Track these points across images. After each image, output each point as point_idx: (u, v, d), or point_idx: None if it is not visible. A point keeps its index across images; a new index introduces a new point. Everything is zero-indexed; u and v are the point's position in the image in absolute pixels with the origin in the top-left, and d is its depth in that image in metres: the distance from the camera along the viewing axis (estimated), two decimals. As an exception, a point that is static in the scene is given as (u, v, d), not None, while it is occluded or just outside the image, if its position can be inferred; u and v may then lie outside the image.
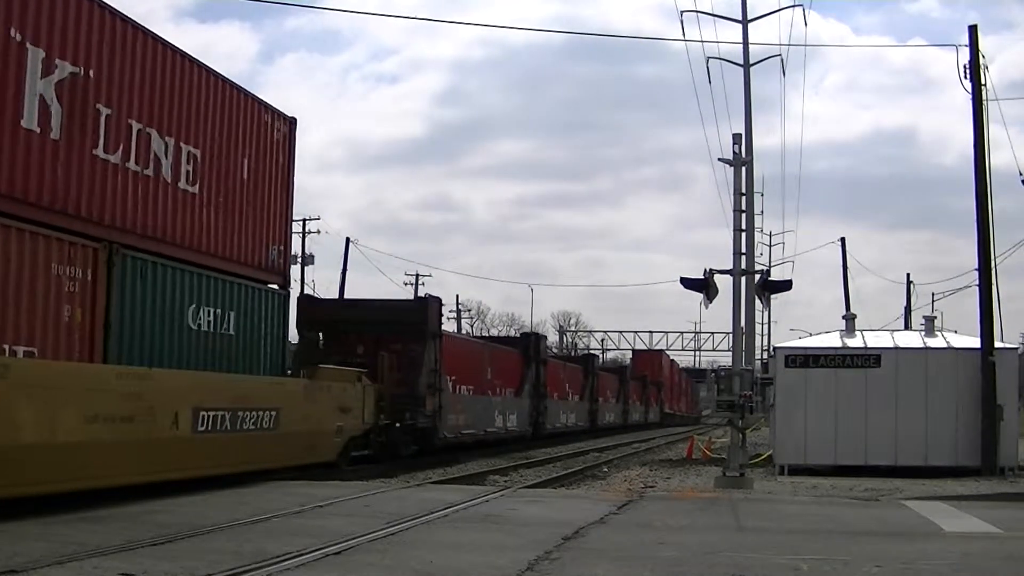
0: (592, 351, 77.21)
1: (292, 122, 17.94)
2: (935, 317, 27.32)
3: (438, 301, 26.78)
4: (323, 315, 25.39)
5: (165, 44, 14.36)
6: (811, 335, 27.80)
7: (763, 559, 8.93)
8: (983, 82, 21.56)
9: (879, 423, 20.58)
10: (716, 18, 21.51)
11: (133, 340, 13.52)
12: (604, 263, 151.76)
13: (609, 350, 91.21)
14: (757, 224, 19.29)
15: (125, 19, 13.55)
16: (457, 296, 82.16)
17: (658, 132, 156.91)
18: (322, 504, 12.36)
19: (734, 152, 18.05)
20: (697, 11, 21.46)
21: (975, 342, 21.19)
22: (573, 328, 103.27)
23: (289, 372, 18.14)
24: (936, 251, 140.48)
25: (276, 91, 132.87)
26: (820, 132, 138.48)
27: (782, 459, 21.04)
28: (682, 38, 21.73)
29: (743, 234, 17.90)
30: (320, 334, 24.94)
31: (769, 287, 18.32)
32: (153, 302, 13.98)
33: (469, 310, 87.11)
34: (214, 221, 15.55)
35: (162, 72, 14.25)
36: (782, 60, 21.88)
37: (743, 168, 18.00)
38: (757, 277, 17.99)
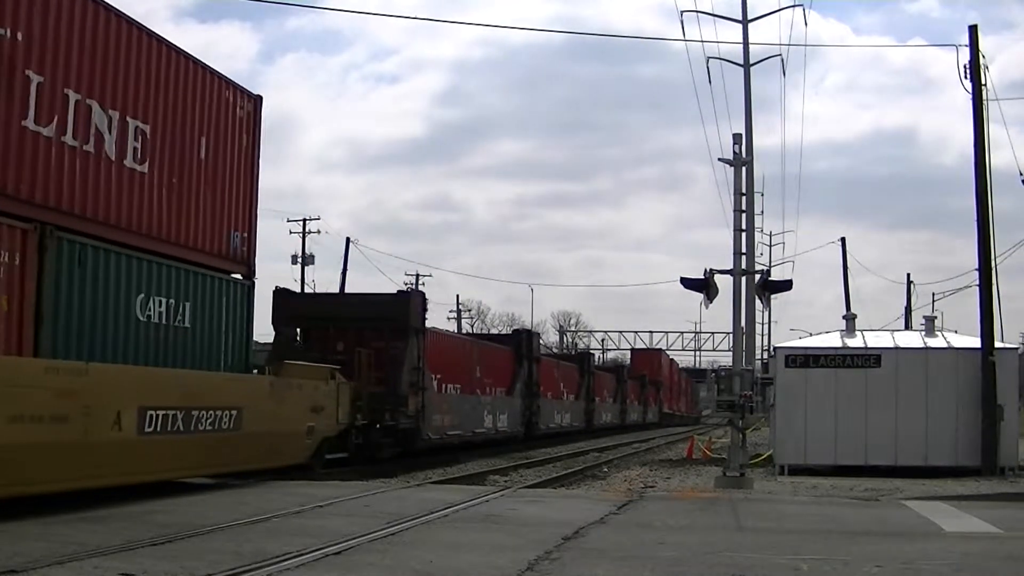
0: (592, 351, 77.15)
1: (257, 100, 16.65)
2: (935, 317, 27.34)
3: (421, 295, 25.81)
4: (300, 310, 24.31)
5: (108, 8, 13.02)
6: (811, 335, 27.83)
7: (763, 559, 8.93)
8: (983, 82, 21.57)
9: (879, 423, 20.58)
10: (716, 18, 21.49)
11: (71, 332, 12.22)
12: (604, 263, 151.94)
13: (609, 350, 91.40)
14: (757, 224, 19.28)
15: None
16: (457, 296, 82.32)
17: (658, 132, 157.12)
18: (322, 504, 12.36)
19: (734, 152, 18.05)
20: (697, 11, 21.44)
21: (975, 342, 21.19)
22: (573, 328, 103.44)
23: (256, 370, 17.22)
24: (936, 251, 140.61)
25: (276, 91, 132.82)
26: (820, 132, 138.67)
27: (782, 459, 21.04)
28: (682, 38, 21.72)
29: (743, 234, 17.91)
30: (298, 330, 24.03)
31: (769, 287, 18.32)
32: (95, 290, 12.66)
33: (469, 310, 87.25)
34: (166, 204, 14.26)
35: (105, 39, 12.89)
36: (782, 60, 21.87)
37: (743, 168, 18.00)
38: (757, 277, 17.98)
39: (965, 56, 21.67)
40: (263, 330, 23.63)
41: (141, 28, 13.79)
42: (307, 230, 59.56)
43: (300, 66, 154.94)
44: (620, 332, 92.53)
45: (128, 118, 13.40)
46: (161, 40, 14.20)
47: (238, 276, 16.19)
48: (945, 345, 21.87)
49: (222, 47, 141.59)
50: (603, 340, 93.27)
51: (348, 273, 51.52)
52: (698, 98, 28.92)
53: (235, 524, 10.32)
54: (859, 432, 20.62)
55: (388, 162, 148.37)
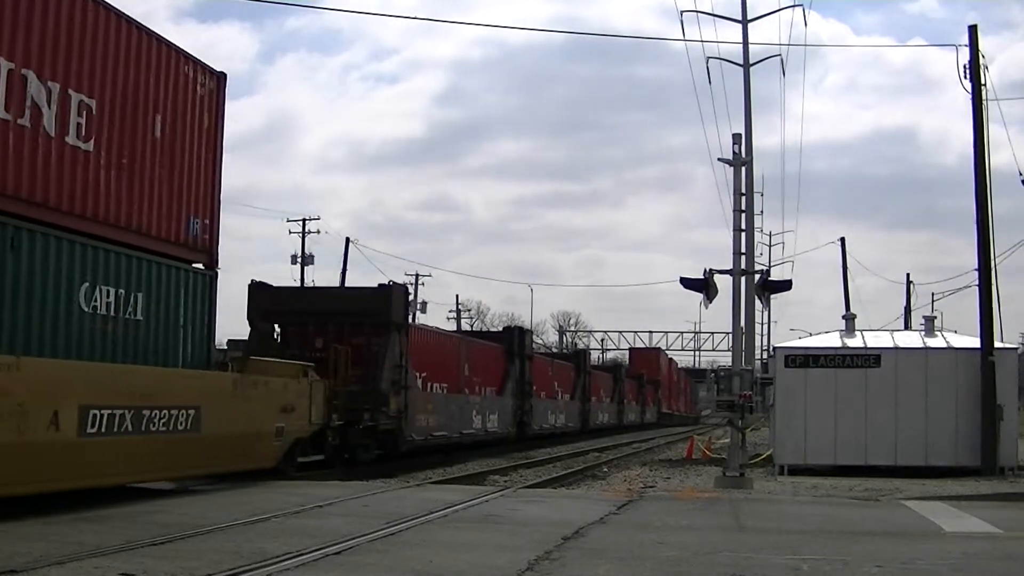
0: (592, 351, 77.04)
1: (220, 77, 15.49)
2: (935, 317, 27.44)
3: (404, 289, 24.56)
4: (278, 305, 23.03)
5: None
6: (811, 335, 27.79)
7: (763, 559, 8.93)
8: (983, 82, 21.60)
9: (879, 423, 20.60)
10: (716, 18, 21.43)
11: (2, 324, 11.21)
12: (604, 263, 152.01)
13: (609, 350, 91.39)
14: (757, 224, 19.25)
15: None
16: (457, 296, 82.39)
17: (658, 132, 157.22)
18: (322, 504, 12.36)
19: (734, 152, 18.05)
20: (697, 11, 21.36)
21: (975, 342, 21.20)
22: (573, 328, 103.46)
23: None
24: (936, 251, 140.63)
25: (276, 91, 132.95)
26: (820, 132, 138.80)
27: (782, 459, 21.05)
28: (682, 38, 21.67)
29: (743, 234, 17.91)
30: (275, 326, 23.04)
31: (769, 287, 18.32)
32: (31, 278, 11.56)
33: (469, 310, 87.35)
34: (115, 185, 13.09)
35: (43, 4, 11.85)
36: (782, 60, 21.83)
37: (743, 168, 18.01)
38: (757, 277, 17.99)
39: (965, 56, 21.72)
40: (240, 326, 23.18)
41: None
42: (307, 230, 59.61)
43: (300, 66, 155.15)
44: (620, 332, 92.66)
45: (71, 91, 12.24)
46: (109, 8, 13.01)
47: (199, 266, 15.08)
48: (945, 345, 21.89)
49: (222, 47, 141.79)
50: (603, 340, 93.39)
51: (348, 273, 51.56)
52: (698, 98, 28.84)
53: (235, 524, 10.32)
54: (859, 432, 20.63)
55: (388, 162, 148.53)
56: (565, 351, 71.25)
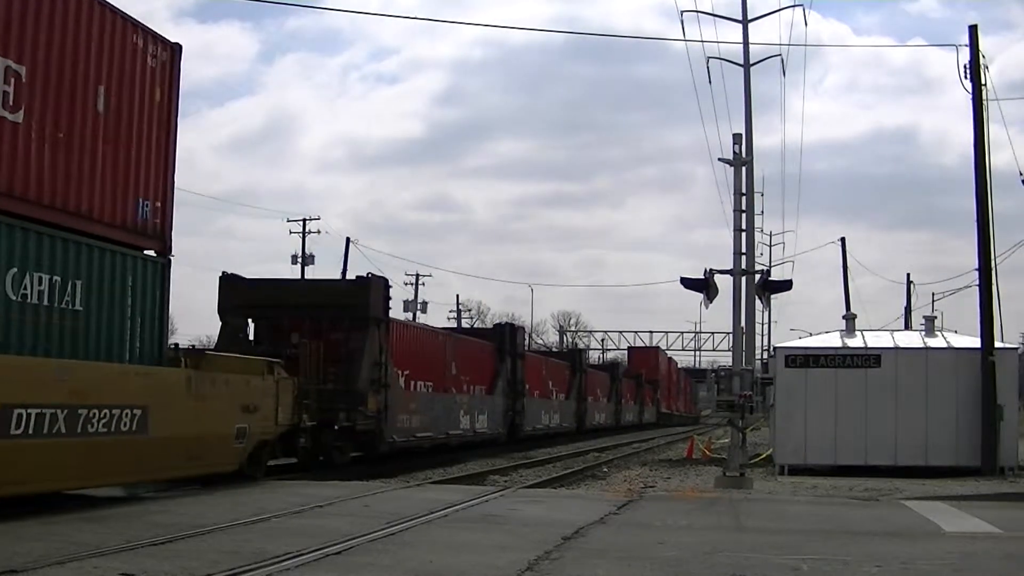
0: (592, 350, 76.92)
1: (175, 49, 14.27)
2: (935, 317, 27.39)
3: (383, 282, 23.00)
4: (251, 298, 21.62)
5: None
6: (811, 335, 27.83)
7: (763, 559, 8.93)
8: (983, 82, 21.60)
9: (879, 423, 20.59)
10: (716, 18, 21.47)
11: None
12: (604, 263, 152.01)
13: (609, 350, 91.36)
14: (757, 224, 19.29)
15: None
16: (457, 296, 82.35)
17: (658, 132, 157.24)
18: (322, 504, 12.36)
19: (734, 152, 18.06)
20: (697, 11, 21.39)
21: (975, 342, 21.20)
22: (573, 328, 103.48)
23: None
24: (936, 251, 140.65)
25: (276, 91, 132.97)
26: (820, 132, 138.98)
27: (782, 459, 21.05)
28: (682, 38, 21.70)
29: (743, 234, 17.92)
30: (249, 320, 21.86)
31: (769, 287, 18.34)
32: None
33: (469, 310, 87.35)
34: (49, 162, 11.88)
35: None
36: (782, 60, 21.86)
37: (743, 168, 18.02)
38: (757, 277, 18.00)
39: (965, 56, 21.72)
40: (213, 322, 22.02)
41: None
42: (307, 230, 59.64)
43: (300, 66, 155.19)
44: (620, 332, 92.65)
45: None
46: None
47: (151, 252, 13.83)
48: (945, 345, 21.90)
49: (222, 47, 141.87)
50: (603, 340, 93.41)
51: (348, 273, 51.50)
52: (698, 98, 28.85)
53: (235, 524, 10.32)
54: (859, 432, 20.63)
55: (388, 162, 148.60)
56: (565, 351, 71.08)
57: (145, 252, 13.69)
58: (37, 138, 11.68)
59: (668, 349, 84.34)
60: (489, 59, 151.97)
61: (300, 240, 59.59)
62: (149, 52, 13.74)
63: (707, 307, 18.33)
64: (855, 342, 21.93)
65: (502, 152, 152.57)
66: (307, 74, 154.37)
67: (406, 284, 70.87)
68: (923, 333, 23.50)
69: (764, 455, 24.23)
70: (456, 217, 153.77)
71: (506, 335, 33.91)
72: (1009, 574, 8.96)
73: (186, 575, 7.57)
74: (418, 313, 69.54)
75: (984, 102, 21.52)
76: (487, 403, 31.05)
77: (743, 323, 17.86)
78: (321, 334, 20.97)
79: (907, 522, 12.15)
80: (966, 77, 21.57)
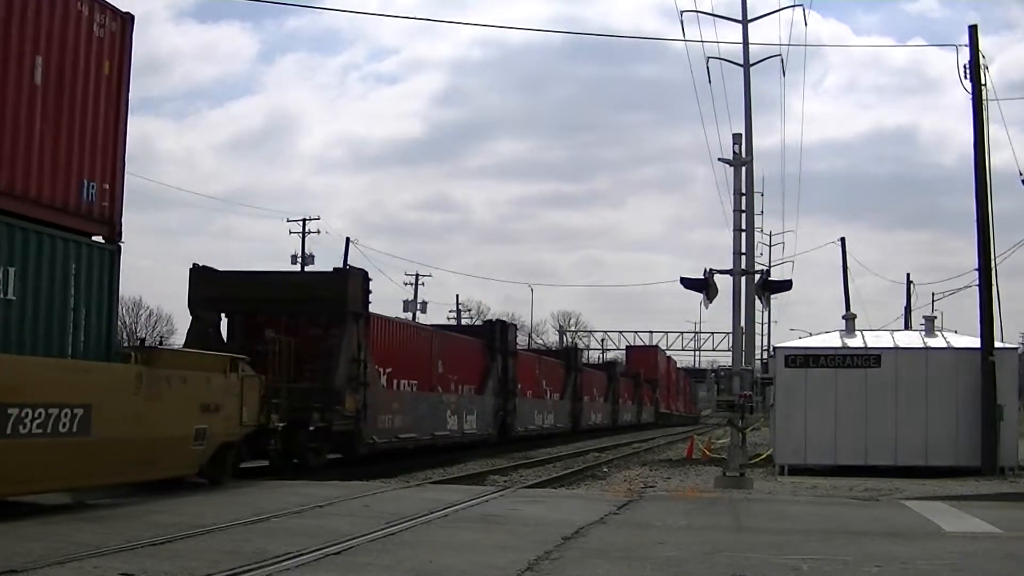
0: (591, 350, 76.81)
1: (126, 19, 13.25)
2: (935, 317, 27.39)
3: (362, 274, 21.80)
4: (223, 292, 20.52)
5: None
6: (811, 335, 27.81)
7: (763, 559, 8.93)
8: (983, 82, 21.59)
9: (879, 423, 20.59)
10: (716, 18, 21.47)
11: None
12: (604, 263, 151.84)
13: (609, 350, 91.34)
14: (757, 224, 19.31)
15: None
16: (457, 296, 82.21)
17: (658, 132, 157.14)
18: (322, 504, 12.36)
19: (734, 152, 18.06)
20: (697, 11, 21.40)
21: (975, 342, 21.20)
22: (573, 328, 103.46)
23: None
24: (936, 251, 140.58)
25: (276, 91, 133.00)
26: (820, 132, 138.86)
27: (782, 459, 21.05)
28: (682, 38, 21.70)
29: (743, 234, 17.92)
30: (222, 315, 20.89)
31: (769, 287, 18.34)
32: None
33: (469, 310, 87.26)
34: None
35: None
36: (782, 60, 21.86)
37: (743, 168, 18.02)
38: (757, 277, 18.00)
39: (965, 56, 21.71)
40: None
41: None
42: (307, 230, 59.61)
43: (300, 66, 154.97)
44: (620, 332, 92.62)
45: None
46: None
47: (98, 238, 12.91)
48: (945, 345, 21.89)
49: (222, 47, 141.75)
50: (603, 340, 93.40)
51: (348, 273, 51.35)
52: (698, 98, 28.84)
53: (235, 524, 10.32)
54: (859, 432, 20.63)
55: (388, 162, 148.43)
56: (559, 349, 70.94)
57: (92, 238, 12.78)
58: None
59: (668, 349, 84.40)
60: (489, 59, 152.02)
61: (300, 240, 59.67)
62: (96, 21, 12.72)
63: (707, 307, 18.36)
64: (855, 342, 21.93)
65: (502, 152, 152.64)
66: (307, 74, 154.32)
67: (406, 284, 70.82)
68: (923, 333, 23.49)
69: (764, 455, 24.23)
70: (456, 217, 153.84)
71: (497, 332, 32.68)
72: (1009, 574, 8.96)
73: (186, 575, 7.57)
74: (418, 313, 69.45)
75: (984, 102, 21.53)
76: (476, 403, 30.01)
77: (743, 323, 17.86)
78: (298, 329, 20.14)
79: (907, 522, 12.15)
80: (966, 77, 21.57)
